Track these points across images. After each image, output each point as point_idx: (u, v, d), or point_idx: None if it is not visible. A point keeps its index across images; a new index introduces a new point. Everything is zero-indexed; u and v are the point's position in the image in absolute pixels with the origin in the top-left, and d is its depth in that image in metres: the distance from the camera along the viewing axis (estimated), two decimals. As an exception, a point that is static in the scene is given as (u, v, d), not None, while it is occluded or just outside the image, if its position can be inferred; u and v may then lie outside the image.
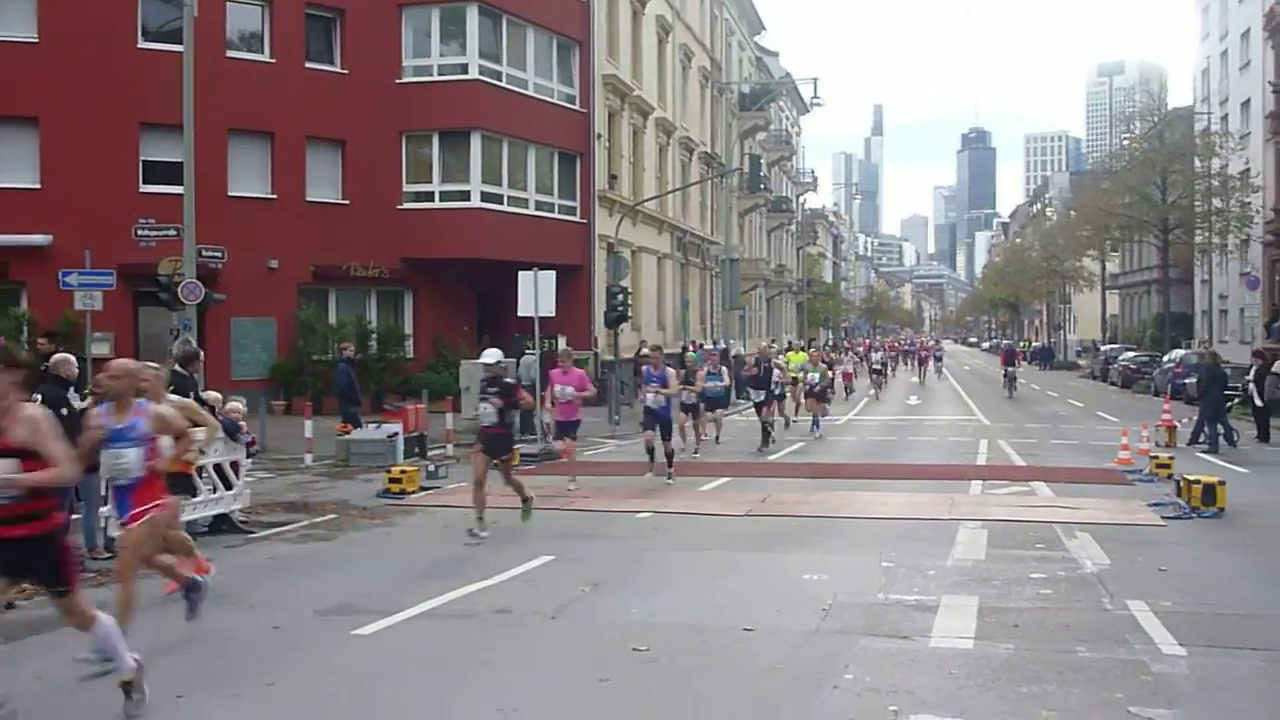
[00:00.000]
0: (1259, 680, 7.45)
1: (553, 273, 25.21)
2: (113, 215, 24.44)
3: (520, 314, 24.99)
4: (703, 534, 13.05)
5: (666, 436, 17.22)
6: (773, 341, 42.45)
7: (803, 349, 35.34)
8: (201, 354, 13.85)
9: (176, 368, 13.22)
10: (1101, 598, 9.66)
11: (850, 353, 53.88)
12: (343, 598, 9.67)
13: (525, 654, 8.03)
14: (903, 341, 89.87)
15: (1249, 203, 44.52)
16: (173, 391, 12.79)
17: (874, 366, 43.54)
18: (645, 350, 19.63)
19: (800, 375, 27.05)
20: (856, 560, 11.27)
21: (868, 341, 78.87)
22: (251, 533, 13.05)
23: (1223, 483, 14.17)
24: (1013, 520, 13.61)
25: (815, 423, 25.65)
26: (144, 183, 27.15)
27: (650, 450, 17.19)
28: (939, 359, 60.31)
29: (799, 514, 14.28)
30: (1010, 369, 41.66)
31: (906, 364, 66.24)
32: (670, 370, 17.50)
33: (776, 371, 24.18)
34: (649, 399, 17.20)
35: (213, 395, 13.96)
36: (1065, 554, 11.56)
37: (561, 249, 33.12)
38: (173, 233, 21.90)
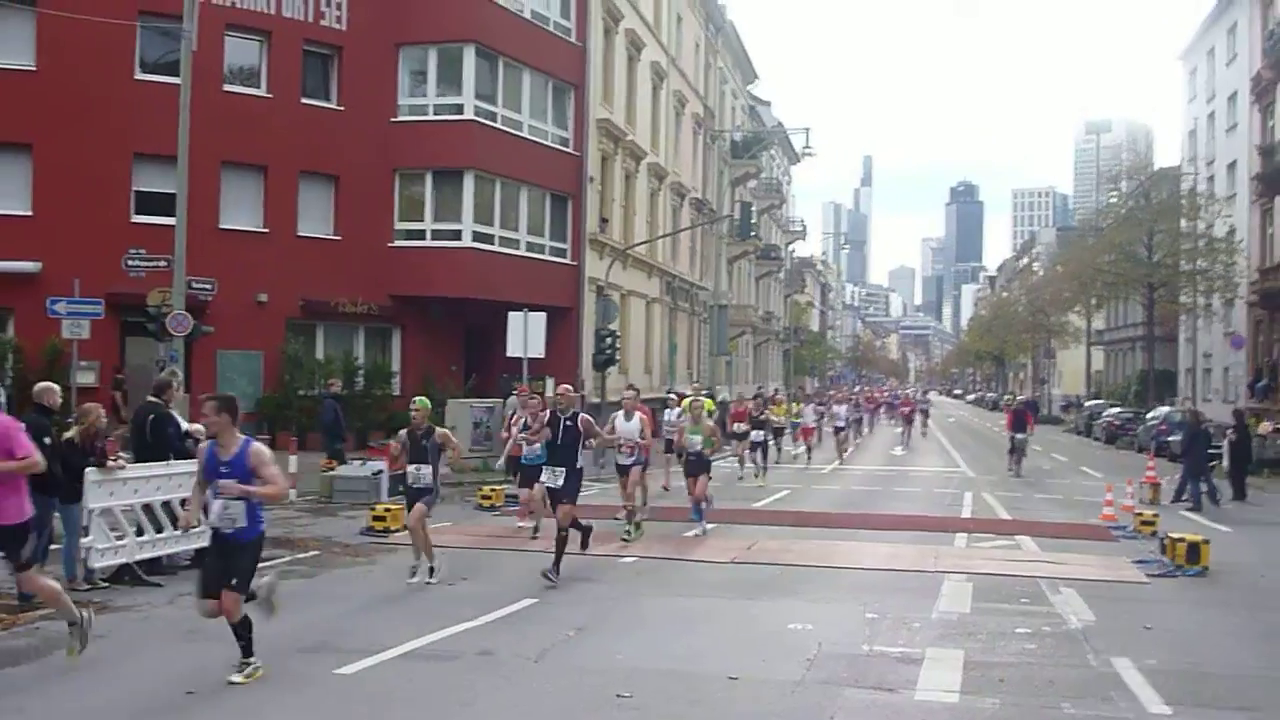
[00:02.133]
0: (1244, 741, 7.43)
1: (543, 314, 25.33)
2: (103, 245, 24.37)
3: (509, 354, 25.06)
4: (687, 580, 12.99)
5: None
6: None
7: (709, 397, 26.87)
8: (176, 383, 13.70)
9: (150, 397, 13.17)
10: (1086, 654, 9.64)
11: (813, 404, 40.47)
12: (325, 636, 9.60)
13: (508, 697, 7.97)
14: (884, 393, 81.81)
15: (1233, 263, 44.86)
16: (152, 421, 12.78)
17: (837, 424, 34.43)
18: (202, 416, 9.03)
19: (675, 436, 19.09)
20: (841, 610, 11.24)
21: (837, 391, 63.81)
22: (233, 567, 12.91)
23: (1207, 541, 14.22)
24: (998, 574, 13.60)
25: (696, 511, 17.03)
26: (136, 213, 27.08)
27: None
28: (925, 414, 53.10)
29: (783, 562, 14.24)
30: (1020, 436, 30.11)
31: (890, 419, 57.45)
32: (263, 451, 8.48)
33: (624, 427, 16.18)
34: (213, 512, 8.40)
35: (196, 427, 13.87)
36: (1050, 609, 11.55)
37: (551, 291, 33.18)
38: (163, 264, 21.88)
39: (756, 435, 26.01)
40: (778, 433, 30.64)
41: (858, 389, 78.84)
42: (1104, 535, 17.60)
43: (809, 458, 32.61)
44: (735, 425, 26.50)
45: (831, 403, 41.08)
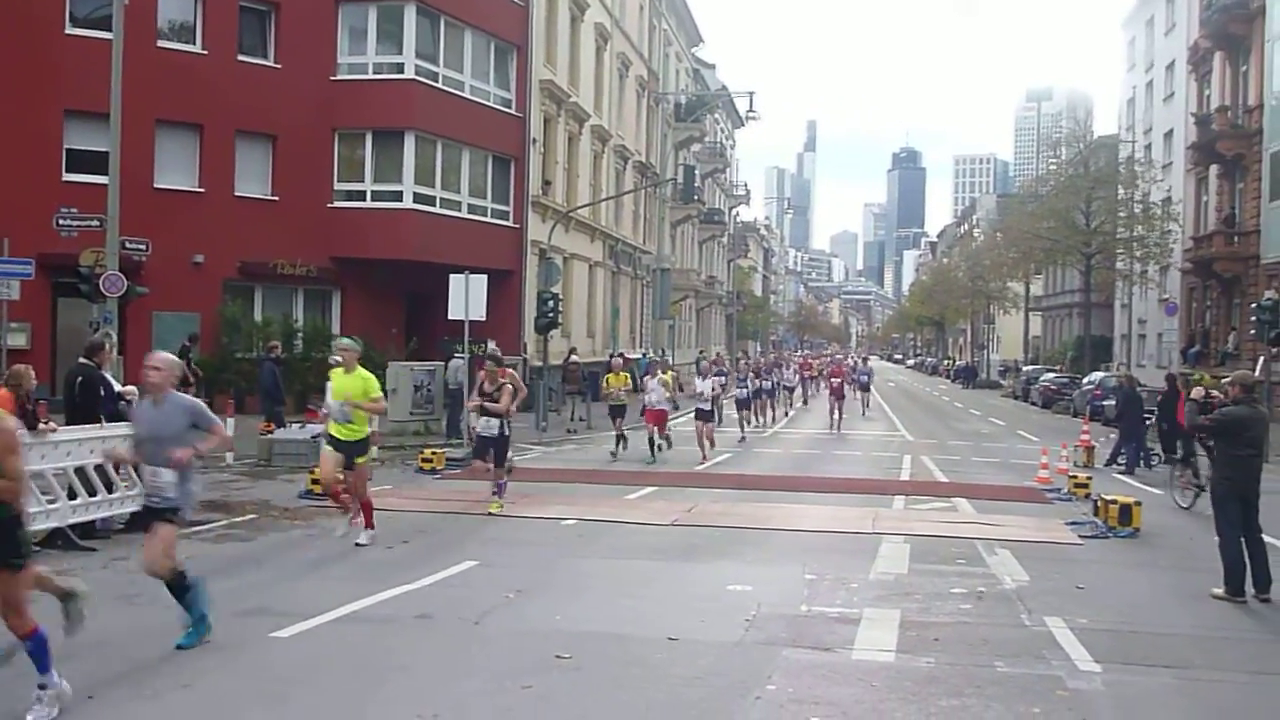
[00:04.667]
0: (1171, 697, 7.60)
1: (484, 277, 25.17)
2: (34, 204, 23.86)
3: (450, 317, 24.90)
4: (628, 542, 13.01)
5: None
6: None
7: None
8: (109, 345, 13.46)
9: (81, 359, 12.94)
10: (1020, 614, 9.79)
11: (665, 370, 25.87)
12: (261, 600, 9.51)
13: (446, 660, 7.95)
14: (823, 358, 72.43)
15: (1169, 231, 45.56)
16: (80, 382, 12.56)
17: (699, 406, 23.55)
18: None
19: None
20: (780, 572, 11.32)
21: (744, 358, 44.34)
22: (168, 531, 12.75)
23: (1139, 503, 14.47)
24: (935, 535, 13.76)
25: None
26: (67, 171, 26.48)
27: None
28: (866, 388, 40.75)
29: (724, 524, 14.31)
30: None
31: (823, 390, 41.47)
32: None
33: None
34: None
35: (130, 390, 13.66)
36: (985, 570, 11.71)
37: (493, 253, 32.94)
38: (95, 223, 21.52)
39: (485, 426, 15.07)
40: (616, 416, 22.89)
41: (757, 355, 66.96)
42: (1039, 498, 17.88)
43: (656, 449, 21.93)
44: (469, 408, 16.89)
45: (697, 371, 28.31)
